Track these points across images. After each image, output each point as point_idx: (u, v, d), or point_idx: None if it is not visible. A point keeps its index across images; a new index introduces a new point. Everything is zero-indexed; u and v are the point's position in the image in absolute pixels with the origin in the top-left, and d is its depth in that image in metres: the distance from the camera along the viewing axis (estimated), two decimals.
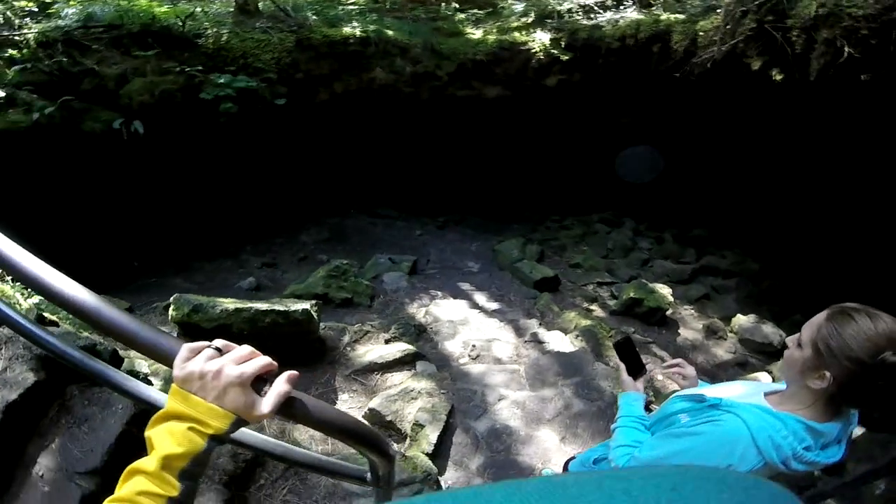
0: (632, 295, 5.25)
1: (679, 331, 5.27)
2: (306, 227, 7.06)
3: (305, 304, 3.93)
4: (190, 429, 0.74)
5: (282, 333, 3.71)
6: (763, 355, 4.95)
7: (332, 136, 6.87)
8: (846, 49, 4.18)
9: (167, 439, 0.74)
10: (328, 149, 6.98)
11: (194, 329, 3.52)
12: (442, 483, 2.64)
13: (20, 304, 2.54)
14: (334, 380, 3.57)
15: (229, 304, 3.67)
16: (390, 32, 6.52)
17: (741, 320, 5.31)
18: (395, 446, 2.99)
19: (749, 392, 1.44)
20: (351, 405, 3.33)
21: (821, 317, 1.23)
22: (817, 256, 6.46)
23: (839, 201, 6.39)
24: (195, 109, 5.39)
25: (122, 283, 4.85)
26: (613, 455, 1.59)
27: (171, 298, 3.59)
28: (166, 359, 0.84)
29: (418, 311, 4.99)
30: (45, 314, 2.58)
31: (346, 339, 4.20)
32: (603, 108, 7.36)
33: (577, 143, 7.84)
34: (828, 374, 1.19)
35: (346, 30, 6.19)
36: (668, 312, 5.37)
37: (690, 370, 1.74)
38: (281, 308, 3.75)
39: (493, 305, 5.15)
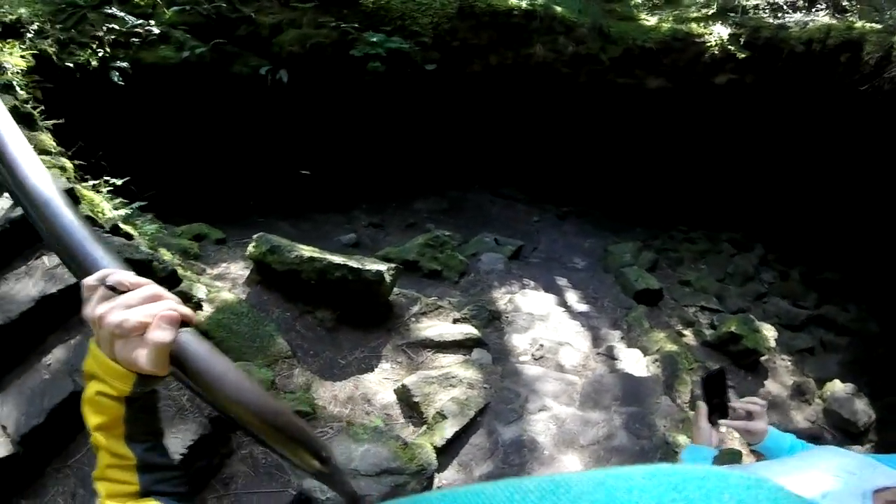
0: (732, 329, 4.64)
1: (766, 381, 4.65)
2: (424, 195, 7.09)
3: (382, 267, 3.87)
4: (98, 393, 0.63)
5: (349, 290, 3.70)
6: (842, 434, 4.21)
7: (475, 109, 6.75)
8: None
9: (87, 407, 0.64)
10: (466, 121, 6.88)
11: (266, 269, 3.67)
12: (436, 481, 2.43)
13: (104, 213, 2.81)
14: (383, 347, 3.52)
15: (306, 251, 3.73)
16: (558, 9, 6.23)
17: (836, 387, 4.60)
18: (411, 429, 2.83)
19: (851, 487, 0.92)
20: (387, 376, 3.24)
21: None
22: None
23: None
24: (343, 65, 5.60)
25: (234, 218, 5.27)
26: None
27: (255, 236, 3.73)
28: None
29: (502, 296, 4.75)
30: (122, 225, 2.84)
31: (415, 309, 4.12)
32: (770, 117, 6.43)
33: (728, 151, 6.86)
34: None
35: (513, 0, 5.95)
36: (763, 358, 4.74)
37: (761, 423, 1.30)
38: (354, 265, 3.72)
39: (582, 307, 4.72)
